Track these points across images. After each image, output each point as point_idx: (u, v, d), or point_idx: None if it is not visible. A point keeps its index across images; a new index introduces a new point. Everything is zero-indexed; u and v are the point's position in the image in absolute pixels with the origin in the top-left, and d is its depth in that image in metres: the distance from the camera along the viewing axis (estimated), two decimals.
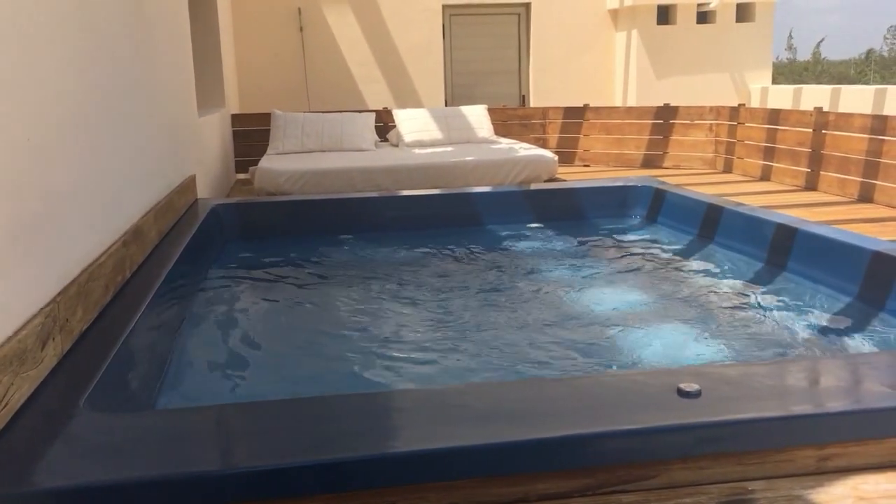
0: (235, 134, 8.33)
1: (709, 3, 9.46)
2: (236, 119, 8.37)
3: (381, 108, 8.67)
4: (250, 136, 8.31)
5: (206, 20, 7.34)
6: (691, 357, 3.04)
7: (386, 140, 8.13)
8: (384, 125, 8.34)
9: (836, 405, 1.91)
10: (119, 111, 3.58)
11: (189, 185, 5.23)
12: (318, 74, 9.41)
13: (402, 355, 3.17)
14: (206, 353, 3.23)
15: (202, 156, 6.08)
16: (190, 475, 1.70)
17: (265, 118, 8.03)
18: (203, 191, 5.85)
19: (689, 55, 9.61)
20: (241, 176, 8.11)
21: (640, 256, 4.81)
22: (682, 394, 1.94)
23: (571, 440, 1.79)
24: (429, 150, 7.27)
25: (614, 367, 2.96)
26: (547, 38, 9.83)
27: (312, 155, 7.15)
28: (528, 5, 9.85)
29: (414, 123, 7.82)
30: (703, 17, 9.66)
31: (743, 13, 9.70)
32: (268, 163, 6.59)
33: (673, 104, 8.14)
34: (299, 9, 9.30)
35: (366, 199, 5.72)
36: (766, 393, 1.99)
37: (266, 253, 5.02)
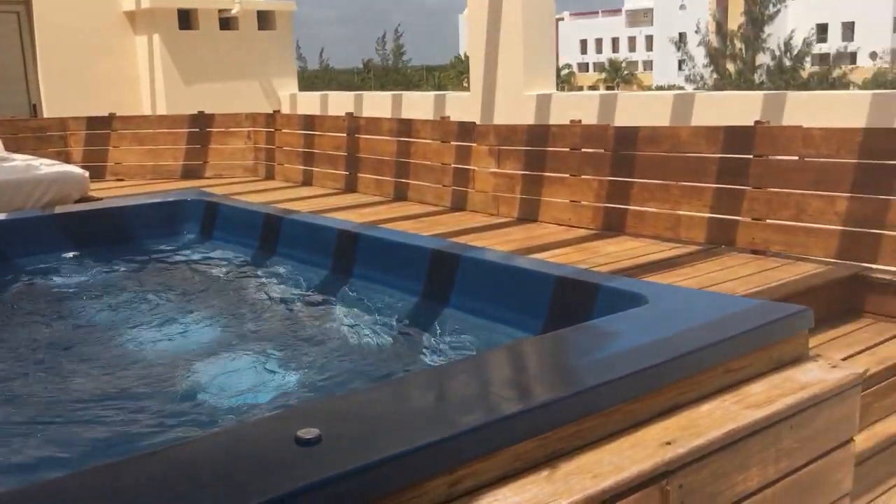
0: None
1: (230, 10, 9.34)
2: None
3: None
4: None
5: None
6: (282, 388, 2.80)
7: None
8: None
9: (465, 422, 1.82)
10: None
11: None
12: None
13: None
14: None
15: None
16: None
17: None
18: None
19: (217, 61, 9.39)
20: None
21: (198, 278, 4.47)
22: (301, 442, 1.71)
23: None
24: None
25: (208, 422, 2.55)
26: (55, 41, 8.74)
27: None
28: (27, 3, 8.66)
29: None
30: (227, 23, 9.52)
31: (264, 21, 9.79)
32: None
33: (207, 112, 7.84)
34: None
35: None
36: (386, 424, 1.85)
37: None
